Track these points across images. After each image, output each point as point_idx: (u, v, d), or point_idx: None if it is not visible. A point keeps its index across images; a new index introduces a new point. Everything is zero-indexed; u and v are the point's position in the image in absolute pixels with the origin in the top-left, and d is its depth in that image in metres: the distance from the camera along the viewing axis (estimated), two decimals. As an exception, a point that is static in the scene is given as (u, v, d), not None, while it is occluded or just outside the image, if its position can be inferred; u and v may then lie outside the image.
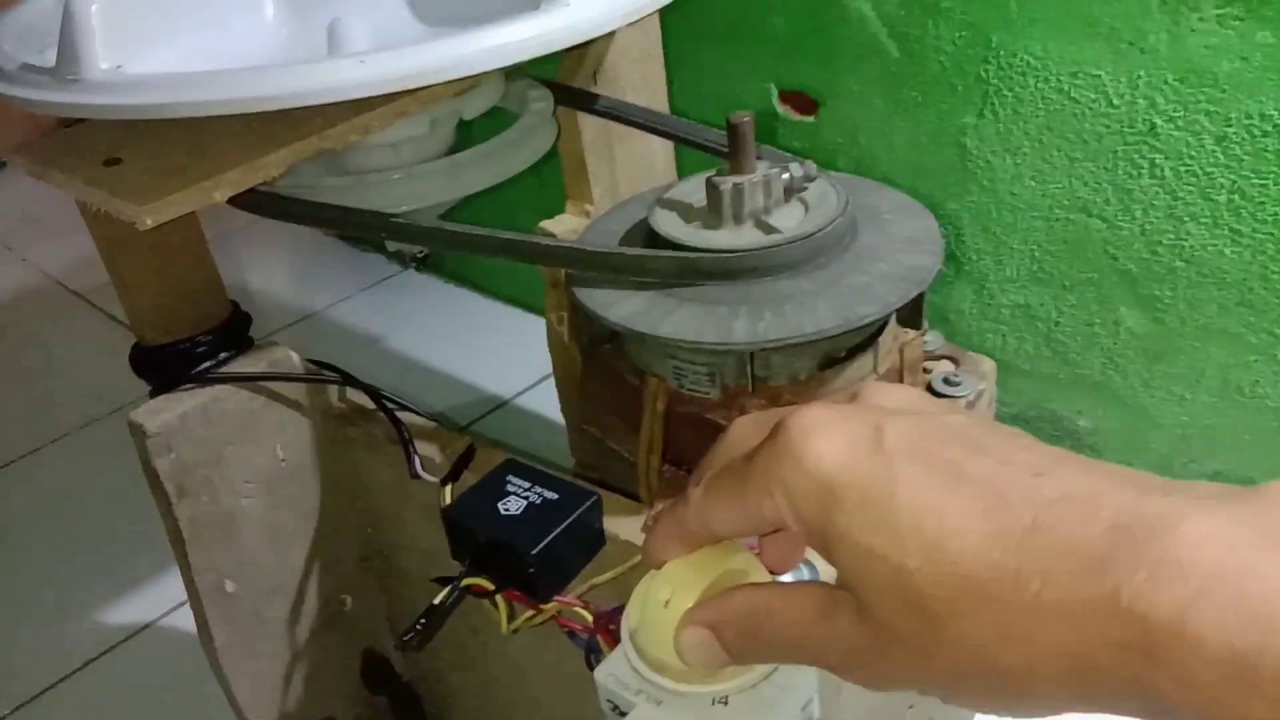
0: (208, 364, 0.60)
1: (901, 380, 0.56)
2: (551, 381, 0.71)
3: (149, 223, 0.49)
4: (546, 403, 1.07)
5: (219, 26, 0.65)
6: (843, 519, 0.28)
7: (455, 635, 0.68)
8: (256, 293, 1.39)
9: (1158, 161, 0.73)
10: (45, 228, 1.56)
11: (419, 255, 1.33)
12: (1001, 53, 0.77)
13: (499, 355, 1.19)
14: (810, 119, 0.90)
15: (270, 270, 1.46)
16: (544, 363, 0.69)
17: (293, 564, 0.67)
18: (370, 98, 0.50)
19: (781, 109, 0.91)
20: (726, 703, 0.38)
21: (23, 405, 1.28)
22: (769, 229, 0.51)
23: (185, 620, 0.94)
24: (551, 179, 0.71)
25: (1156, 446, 0.84)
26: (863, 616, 0.28)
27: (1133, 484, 0.25)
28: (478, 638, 0.66)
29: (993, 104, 0.79)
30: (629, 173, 0.73)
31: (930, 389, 0.58)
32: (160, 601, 0.97)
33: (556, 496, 0.49)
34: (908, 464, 0.27)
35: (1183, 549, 0.23)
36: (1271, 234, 0.71)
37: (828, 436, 0.28)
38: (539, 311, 1.24)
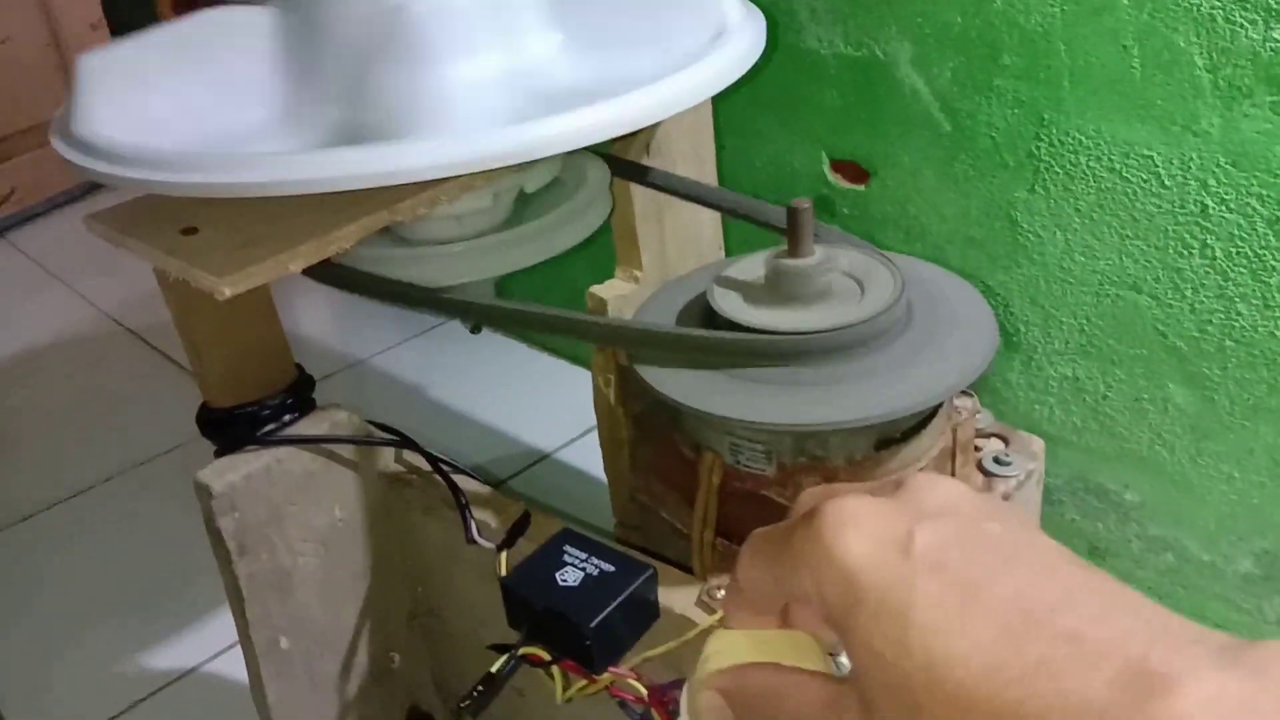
0: (272, 426, 0.62)
1: (954, 459, 0.57)
2: (593, 434, 0.72)
3: (227, 293, 0.51)
4: (589, 458, 1.08)
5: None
6: (862, 618, 0.28)
7: (502, 697, 0.69)
8: (306, 338, 1.42)
9: (1209, 242, 0.74)
10: (100, 264, 1.61)
11: (475, 324, 1.35)
12: (1054, 130, 0.78)
13: (546, 408, 1.20)
14: (861, 188, 0.91)
15: (321, 315, 1.48)
16: (587, 416, 0.70)
17: (344, 621, 0.68)
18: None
19: (833, 177, 0.92)
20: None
21: (75, 442, 1.31)
22: (828, 312, 0.52)
23: (229, 666, 0.97)
24: (604, 240, 0.72)
25: (1203, 523, 0.83)
26: (866, 714, 0.29)
27: (1149, 630, 0.25)
28: (525, 700, 0.67)
29: (1044, 180, 0.80)
30: (678, 241, 0.75)
31: (981, 467, 0.59)
32: (205, 646, 0.98)
33: (613, 569, 0.50)
34: (930, 577, 0.28)
35: (1183, 708, 0.23)
36: (1324, 317, 0.71)
37: (859, 532, 0.29)
38: (583, 363, 1.25)
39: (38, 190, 1.82)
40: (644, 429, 0.64)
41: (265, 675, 0.65)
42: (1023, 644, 0.26)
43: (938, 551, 0.28)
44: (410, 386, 1.29)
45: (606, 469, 0.74)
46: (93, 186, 1.86)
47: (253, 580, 0.62)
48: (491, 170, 0.56)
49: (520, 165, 0.58)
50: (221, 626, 0.90)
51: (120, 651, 1.00)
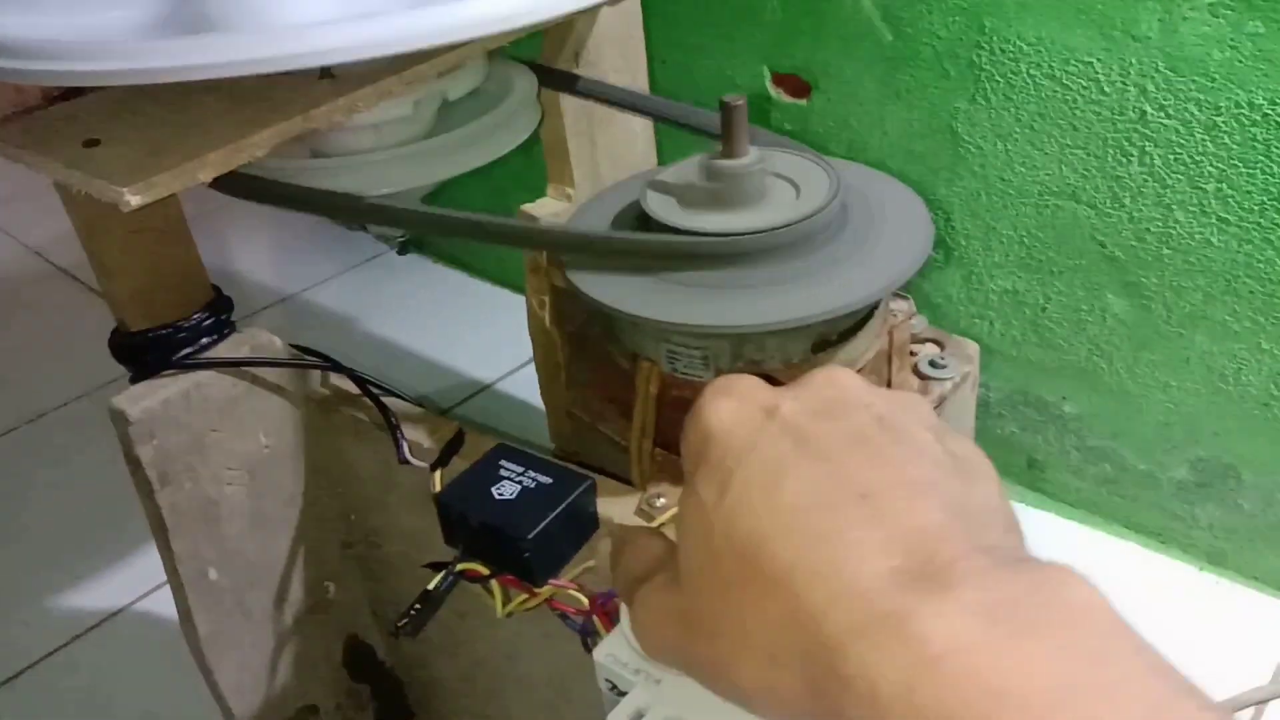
0: (190, 349, 0.59)
1: (890, 362, 0.56)
2: (532, 365, 0.71)
3: (132, 204, 0.48)
4: (530, 388, 1.06)
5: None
6: (701, 471, 0.29)
7: (442, 621, 0.67)
8: (237, 272, 1.38)
9: (1147, 149, 0.73)
10: (30, 202, 1.55)
11: (401, 239, 1.31)
12: (994, 38, 0.76)
13: (485, 338, 1.18)
14: (803, 102, 0.89)
15: (251, 249, 1.44)
16: (526, 346, 0.68)
17: (276, 551, 0.66)
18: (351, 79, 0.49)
19: (774, 92, 0.90)
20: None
21: (3, 381, 1.26)
22: (762, 213, 0.50)
23: (159, 604, 0.94)
24: (535, 160, 0.70)
25: (1140, 432, 0.84)
26: (674, 568, 0.29)
27: (949, 530, 0.25)
28: (465, 622, 0.66)
29: (985, 89, 0.78)
30: (610, 156, 0.72)
31: (916, 370, 0.58)
32: (135, 586, 0.96)
33: (550, 481, 0.49)
34: (777, 440, 0.28)
35: (940, 621, 0.22)
36: (1258, 223, 0.71)
37: (730, 398, 0.30)
38: (520, 289, 1.23)
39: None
40: (580, 345, 0.62)
41: (195, 609, 0.63)
42: (822, 516, 0.25)
43: (799, 418, 0.28)
44: (344, 319, 1.26)
45: (542, 392, 0.72)
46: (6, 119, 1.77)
47: (176, 511, 0.60)
48: (411, 70, 0.53)
49: (442, 64, 0.56)
50: (153, 566, 0.89)
51: (50, 593, 0.97)
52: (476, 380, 1.14)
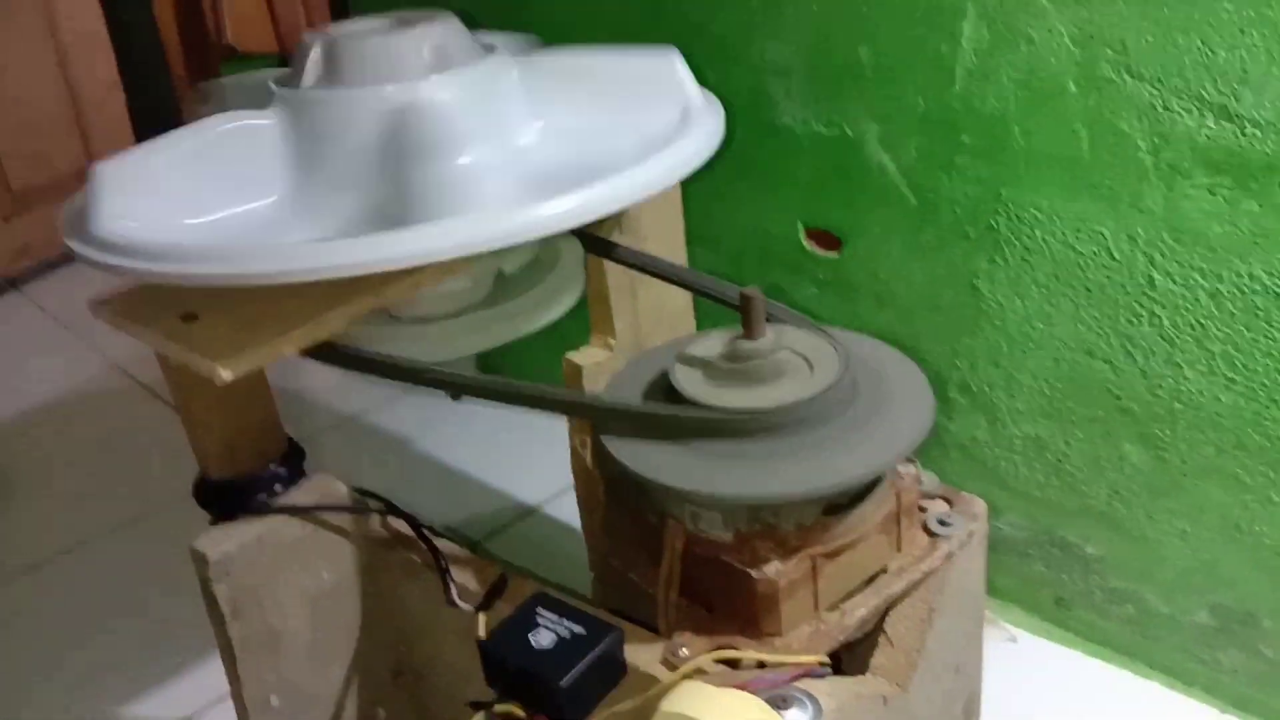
0: (264, 495, 0.66)
1: (899, 522, 0.60)
2: (570, 491, 0.76)
3: (226, 378, 0.55)
4: (568, 510, 1.11)
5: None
6: None
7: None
8: (296, 394, 1.45)
9: (1156, 312, 0.78)
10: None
11: (456, 393, 1.39)
12: (1011, 206, 0.82)
13: (527, 463, 1.24)
14: (834, 254, 0.95)
15: (312, 375, 1.52)
16: (566, 471, 0.73)
17: (332, 679, 0.71)
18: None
19: (808, 245, 0.96)
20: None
21: (86, 490, 1.35)
22: (779, 390, 0.56)
23: (221, 716, 0.99)
24: (581, 309, 0.76)
25: (1161, 576, 0.86)
26: None
27: None
28: (503, 755, 0.70)
29: (1003, 251, 0.84)
30: (650, 311, 0.78)
31: (926, 529, 0.62)
32: (199, 696, 1.01)
33: (583, 630, 0.54)
34: None
35: None
36: (1263, 383, 0.75)
37: None
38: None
39: (50, 246, 1.86)
40: (614, 495, 0.67)
41: (258, 732, 0.68)
42: None
43: None
44: (396, 444, 1.33)
45: (583, 524, 0.77)
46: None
47: (245, 641, 0.66)
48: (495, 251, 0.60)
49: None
50: (210, 679, 0.94)
51: (114, 702, 1.03)
52: (523, 504, 1.20)
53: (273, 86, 0.66)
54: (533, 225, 0.57)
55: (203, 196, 0.62)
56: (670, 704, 0.46)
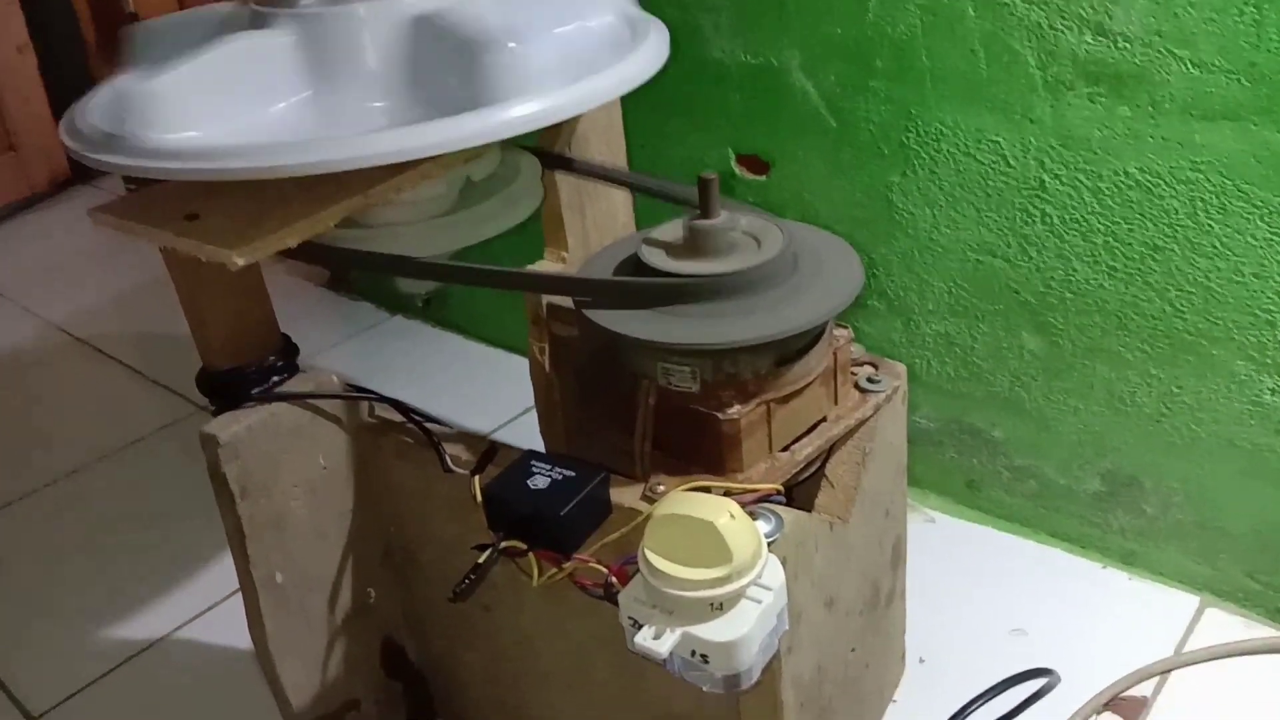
0: (264, 386, 0.72)
1: (835, 376, 0.69)
2: (528, 416, 0.82)
3: (240, 263, 0.61)
4: (527, 436, 1.18)
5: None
6: None
7: (469, 615, 0.79)
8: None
9: (1048, 211, 0.88)
10: (45, 279, 1.67)
11: (426, 298, 1.45)
12: (919, 122, 0.92)
13: (482, 392, 1.30)
14: (762, 178, 1.04)
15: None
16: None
17: (329, 559, 0.78)
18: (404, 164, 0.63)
19: (738, 170, 1.05)
20: (721, 608, 0.51)
21: (31, 444, 1.37)
22: (733, 260, 0.64)
23: (198, 632, 1.04)
24: (529, 230, 0.83)
25: (1058, 453, 0.98)
26: None
27: None
28: (490, 615, 0.78)
29: (913, 165, 0.94)
30: (597, 225, 0.86)
31: (856, 385, 0.72)
32: (170, 618, 1.06)
33: (573, 474, 0.61)
34: None
35: None
36: (1139, 269, 0.86)
37: None
38: (519, 351, 1.36)
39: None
40: (580, 378, 0.75)
41: (263, 608, 0.74)
42: None
43: None
44: (351, 380, 1.39)
45: (541, 427, 0.85)
46: (23, 206, 1.90)
47: (252, 521, 0.71)
48: (447, 157, 0.66)
49: (472, 152, 0.70)
50: (187, 600, 1.00)
51: (94, 622, 1.07)
52: (475, 430, 1.27)
53: (257, 8, 0.71)
54: (583, 98, 0.64)
55: (236, 107, 0.68)
56: (662, 508, 0.54)
